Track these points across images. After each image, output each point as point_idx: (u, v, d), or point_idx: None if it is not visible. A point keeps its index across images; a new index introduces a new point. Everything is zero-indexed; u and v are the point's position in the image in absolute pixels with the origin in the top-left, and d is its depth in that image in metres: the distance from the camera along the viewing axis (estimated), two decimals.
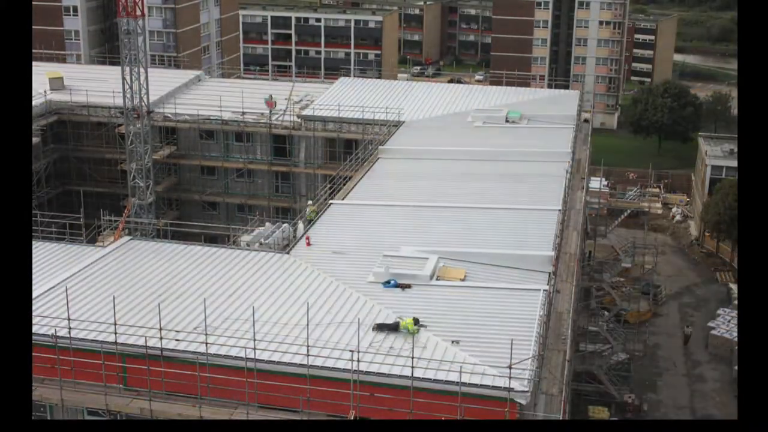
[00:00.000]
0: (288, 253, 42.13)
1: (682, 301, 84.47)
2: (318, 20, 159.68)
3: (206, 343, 31.58)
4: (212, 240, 60.38)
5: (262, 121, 66.37)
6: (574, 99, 70.76)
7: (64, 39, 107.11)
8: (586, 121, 71.40)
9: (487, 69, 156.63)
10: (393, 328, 33.67)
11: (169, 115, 67.18)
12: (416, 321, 33.85)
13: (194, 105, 68.07)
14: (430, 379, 30.32)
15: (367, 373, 30.56)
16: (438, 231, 44.39)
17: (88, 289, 37.40)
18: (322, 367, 30.87)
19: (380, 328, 33.71)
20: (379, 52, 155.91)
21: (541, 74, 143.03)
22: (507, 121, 63.67)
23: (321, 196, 53.29)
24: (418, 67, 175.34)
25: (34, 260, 38.53)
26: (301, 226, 45.91)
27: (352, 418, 30.36)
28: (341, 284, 38.11)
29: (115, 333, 32.17)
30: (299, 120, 65.95)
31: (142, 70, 59.78)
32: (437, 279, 38.69)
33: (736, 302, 79.27)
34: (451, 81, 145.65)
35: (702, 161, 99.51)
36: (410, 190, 51.19)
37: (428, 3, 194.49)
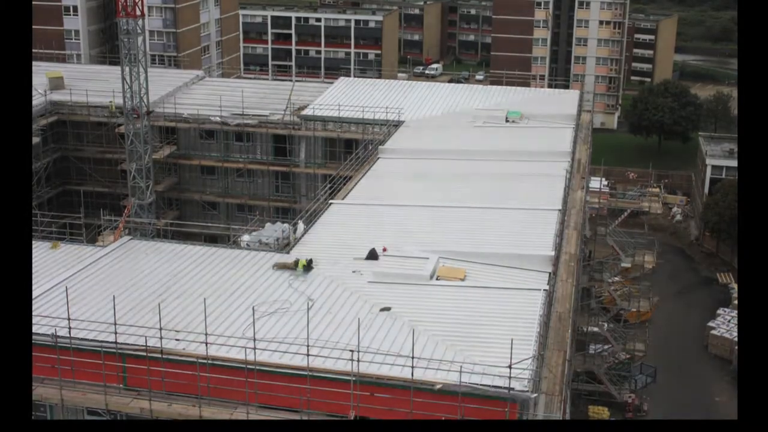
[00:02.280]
0: (288, 253, 42.12)
1: (682, 301, 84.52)
2: (318, 20, 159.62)
3: (206, 343, 31.58)
4: (212, 240, 60.41)
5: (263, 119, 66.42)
6: (574, 99, 70.75)
7: (64, 39, 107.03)
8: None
9: (487, 69, 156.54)
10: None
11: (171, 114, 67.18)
12: (309, 263, 39.06)
13: (194, 105, 68.03)
14: (430, 379, 30.32)
15: (367, 373, 30.58)
16: (438, 231, 44.35)
17: (88, 289, 37.39)
18: (322, 368, 30.87)
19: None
20: (379, 51, 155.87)
21: (541, 74, 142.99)
22: (507, 120, 63.65)
23: (321, 196, 53.26)
24: (421, 67, 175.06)
25: (34, 260, 38.50)
26: (301, 226, 45.85)
27: (352, 418, 30.36)
28: (341, 284, 38.10)
29: (115, 333, 32.17)
30: (299, 120, 65.90)
31: (141, 70, 59.74)
32: (437, 279, 38.70)
33: (735, 302, 79.30)
34: (451, 81, 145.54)
35: (702, 161, 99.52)
36: (410, 190, 51.15)
37: (428, 3, 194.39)
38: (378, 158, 57.05)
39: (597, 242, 69.94)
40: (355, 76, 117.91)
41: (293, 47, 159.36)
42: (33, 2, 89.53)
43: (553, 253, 41.00)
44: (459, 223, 45.46)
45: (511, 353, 29.13)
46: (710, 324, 76.30)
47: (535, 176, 52.61)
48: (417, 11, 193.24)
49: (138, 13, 58.63)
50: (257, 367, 31.03)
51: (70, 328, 32.36)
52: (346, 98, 68.25)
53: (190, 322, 34.11)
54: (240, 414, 31.22)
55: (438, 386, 29.85)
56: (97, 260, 40.51)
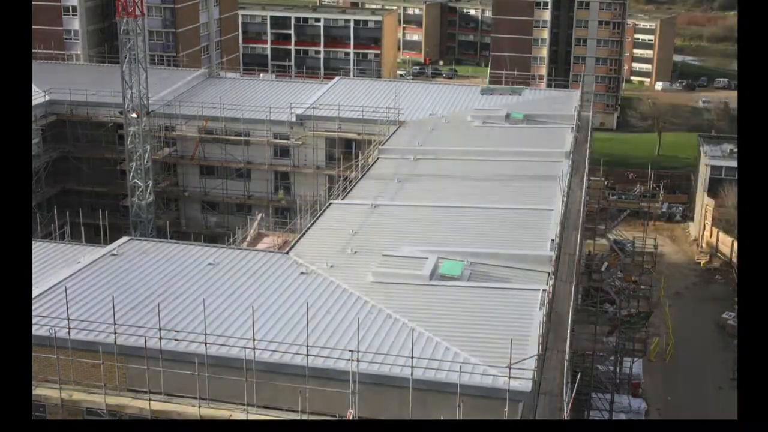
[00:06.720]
0: (287, 253, 42.11)
1: (682, 300, 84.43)
2: (317, 20, 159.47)
3: (206, 344, 31.56)
4: (212, 240, 60.35)
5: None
6: (573, 99, 70.77)
7: (63, 39, 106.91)
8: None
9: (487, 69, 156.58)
10: None
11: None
12: None
13: (195, 105, 67.95)
14: (430, 379, 30.31)
15: (367, 373, 30.55)
16: (438, 231, 44.36)
17: (88, 289, 37.36)
18: (322, 368, 30.85)
19: None
20: (378, 52, 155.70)
21: (541, 74, 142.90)
22: (507, 119, 63.66)
23: (321, 196, 53.27)
24: (417, 67, 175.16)
25: (34, 260, 38.46)
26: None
27: (352, 418, 30.33)
28: (341, 284, 38.08)
29: (115, 333, 32.15)
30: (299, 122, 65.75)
31: (141, 69, 59.68)
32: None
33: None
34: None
35: (702, 161, 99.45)
36: (410, 190, 51.16)
37: (427, 3, 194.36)
38: (378, 158, 57.06)
39: (596, 242, 69.78)
40: (354, 77, 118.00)
41: (292, 47, 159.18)
42: (33, 2, 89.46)
43: (552, 253, 41.00)
44: (459, 223, 45.47)
45: (511, 353, 29.13)
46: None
47: (534, 176, 52.64)
48: (416, 11, 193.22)
49: (138, 13, 58.58)
50: (257, 367, 31.02)
51: (69, 328, 32.35)
52: (345, 98, 68.22)
53: (189, 322, 34.09)
54: (240, 414, 31.21)
55: None
56: (97, 260, 40.48)
